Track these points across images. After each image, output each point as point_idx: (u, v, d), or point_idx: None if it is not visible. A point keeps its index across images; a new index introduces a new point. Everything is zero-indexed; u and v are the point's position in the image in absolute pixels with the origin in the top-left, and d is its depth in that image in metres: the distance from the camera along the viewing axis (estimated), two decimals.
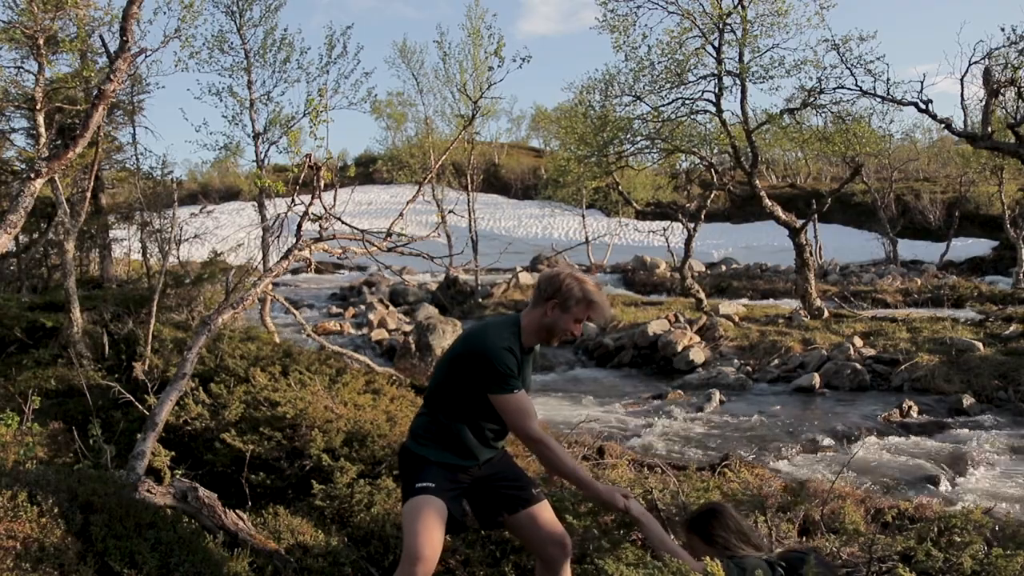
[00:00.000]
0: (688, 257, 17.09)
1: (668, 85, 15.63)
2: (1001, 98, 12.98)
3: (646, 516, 2.73)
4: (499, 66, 6.05)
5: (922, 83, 12.60)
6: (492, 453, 2.92)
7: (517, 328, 2.85)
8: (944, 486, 6.84)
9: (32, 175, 4.29)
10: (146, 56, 5.62)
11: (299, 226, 5.38)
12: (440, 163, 7.78)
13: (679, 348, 13.18)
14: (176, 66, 13.67)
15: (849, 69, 13.57)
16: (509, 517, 2.95)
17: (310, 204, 5.42)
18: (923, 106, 12.67)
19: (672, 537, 2.87)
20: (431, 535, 2.63)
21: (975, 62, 12.16)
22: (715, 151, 17.39)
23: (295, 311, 8.69)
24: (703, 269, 27.80)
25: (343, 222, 5.71)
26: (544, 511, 2.95)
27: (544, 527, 2.93)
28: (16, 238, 11.69)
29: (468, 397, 2.80)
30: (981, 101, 12.58)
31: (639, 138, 16.88)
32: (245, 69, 18.72)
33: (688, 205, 22.44)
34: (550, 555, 2.92)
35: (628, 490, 2.86)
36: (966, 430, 8.69)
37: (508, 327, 2.85)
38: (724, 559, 2.44)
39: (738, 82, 15.29)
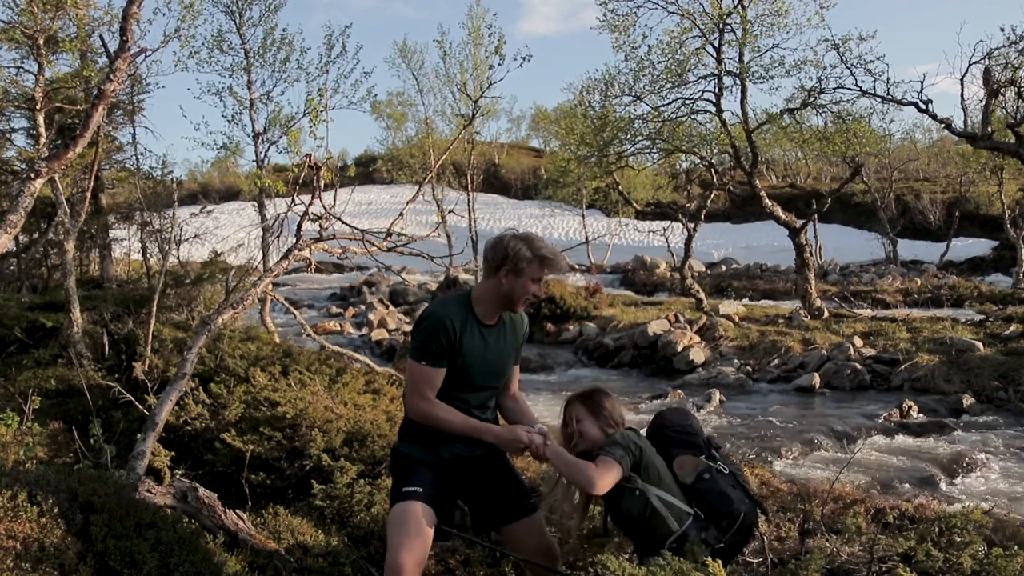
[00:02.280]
0: (688, 257, 17.09)
1: (668, 85, 15.63)
2: (1001, 98, 12.99)
3: (551, 449, 2.71)
4: (500, 64, 6.07)
5: (922, 83, 12.61)
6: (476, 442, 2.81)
7: (467, 300, 2.75)
8: (944, 486, 6.84)
9: (32, 175, 4.29)
10: (146, 56, 5.63)
11: (299, 226, 5.38)
12: (440, 163, 7.78)
13: (679, 348, 13.18)
14: (176, 66, 13.65)
15: (849, 69, 13.58)
16: (505, 526, 2.91)
17: (310, 204, 5.42)
18: (923, 106, 12.67)
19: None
20: (412, 546, 2.57)
21: (975, 62, 12.17)
22: (715, 151, 17.39)
23: (295, 311, 8.69)
24: (703, 269, 27.82)
25: (343, 222, 5.71)
26: (537, 522, 2.90)
27: (536, 539, 2.88)
28: (16, 238, 11.68)
29: None
30: (981, 101, 12.59)
31: (639, 138, 16.88)
32: (245, 69, 18.72)
33: (688, 205, 22.43)
34: (539, 567, 2.88)
35: (535, 425, 2.78)
36: (966, 430, 8.69)
37: (456, 300, 2.76)
38: (607, 435, 2.78)
39: (738, 82, 15.29)
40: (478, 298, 2.76)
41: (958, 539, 2.88)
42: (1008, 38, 11.82)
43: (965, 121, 12.83)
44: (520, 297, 2.73)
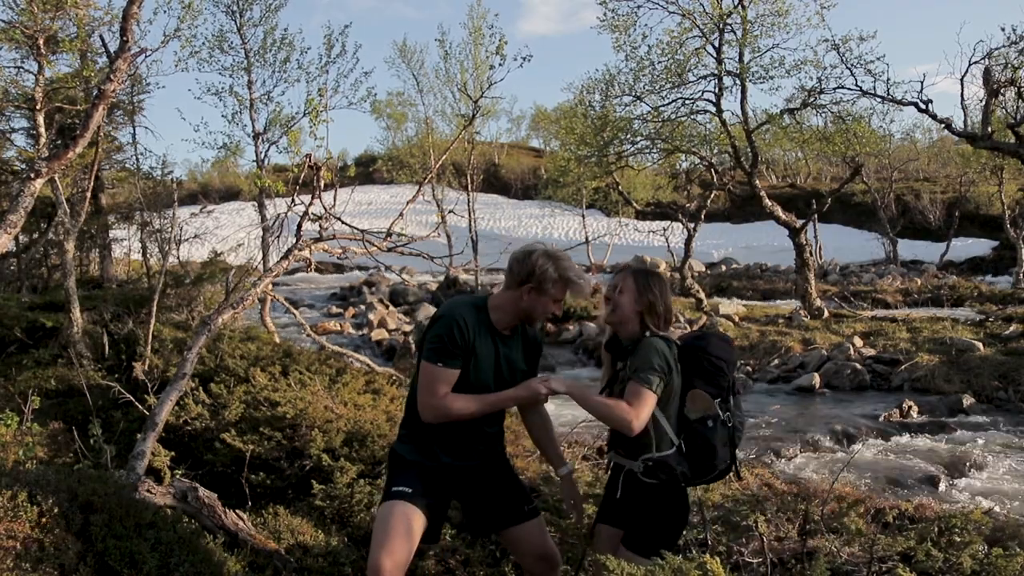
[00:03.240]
0: (688, 257, 17.10)
1: (668, 85, 15.64)
2: (1001, 98, 12.99)
3: (572, 386, 2.71)
4: (500, 65, 6.05)
5: (922, 83, 12.62)
6: (476, 445, 2.78)
7: (483, 306, 2.72)
8: (944, 486, 6.84)
9: (32, 175, 4.29)
10: (146, 56, 5.63)
11: (299, 226, 5.38)
12: (440, 163, 7.78)
13: None
14: (176, 66, 13.65)
15: (849, 69, 13.59)
16: (502, 530, 2.89)
17: (310, 204, 5.42)
18: (923, 106, 12.67)
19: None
20: (393, 547, 2.54)
21: (975, 62, 12.18)
22: (715, 151, 17.40)
23: (295, 311, 8.69)
24: (703, 269, 27.82)
25: (343, 222, 5.70)
26: (536, 527, 2.88)
27: (535, 543, 2.86)
28: (16, 238, 11.68)
29: None
30: (981, 101, 12.59)
31: (639, 138, 16.90)
32: (245, 69, 18.78)
33: (688, 205, 22.44)
34: (538, 571, 2.88)
35: (547, 375, 2.79)
36: (966, 430, 8.69)
37: (471, 303, 2.73)
38: (642, 323, 2.74)
39: (738, 82, 15.30)
40: (496, 306, 2.72)
41: (958, 539, 2.88)
42: (1008, 38, 11.84)
43: (965, 121, 12.84)
44: (539, 315, 2.72)
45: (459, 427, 2.72)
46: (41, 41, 8.46)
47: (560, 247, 2.79)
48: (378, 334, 16.18)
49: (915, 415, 9.37)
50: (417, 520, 2.63)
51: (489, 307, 2.73)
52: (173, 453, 4.53)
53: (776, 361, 12.38)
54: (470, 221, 23.24)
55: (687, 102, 15.92)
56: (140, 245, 14.46)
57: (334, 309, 20.04)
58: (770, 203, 15.51)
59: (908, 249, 29.84)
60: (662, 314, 2.74)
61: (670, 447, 2.65)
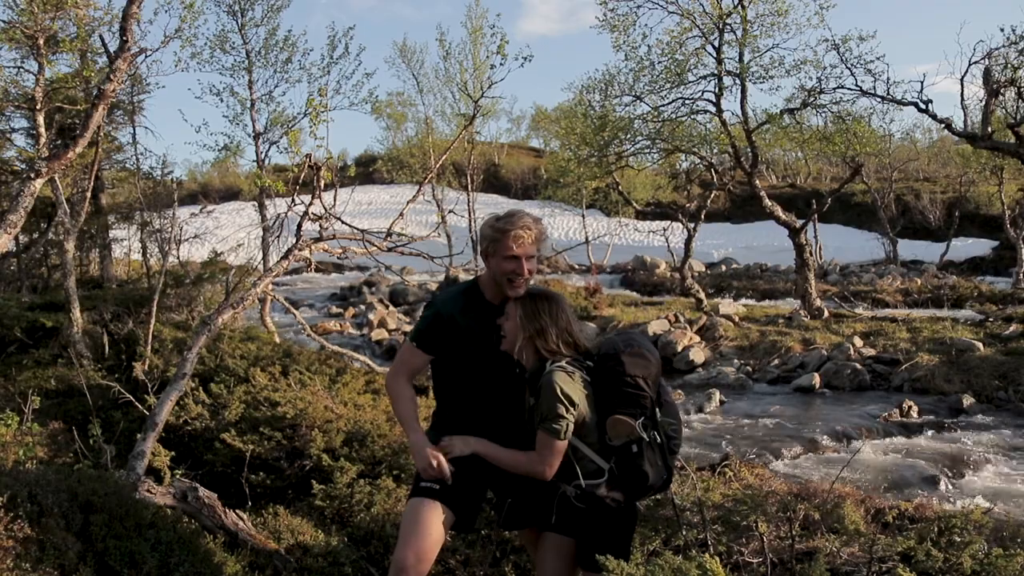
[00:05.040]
0: (688, 257, 17.10)
1: (668, 85, 15.62)
2: (1001, 98, 12.97)
3: (477, 445, 2.67)
4: (501, 64, 6.05)
5: (922, 83, 12.61)
6: (504, 430, 2.74)
7: (472, 287, 2.82)
8: (944, 486, 6.84)
9: (32, 175, 4.30)
10: (146, 56, 5.62)
11: (299, 226, 5.38)
12: (440, 163, 7.78)
13: (679, 348, 13.18)
14: (176, 66, 13.60)
15: (849, 69, 13.58)
16: (528, 527, 2.88)
17: (310, 204, 5.42)
18: (923, 106, 12.67)
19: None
20: (419, 544, 2.56)
21: (975, 62, 12.17)
22: (715, 151, 17.37)
23: (295, 311, 8.70)
24: (703, 269, 27.79)
25: (343, 222, 5.71)
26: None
27: None
28: (16, 238, 11.68)
29: (440, 369, 2.83)
30: (981, 101, 12.58)
31: (639, 138, 16.87)
32: (246, 69, 18.73)
33: (688, 205, 22.41)
34: None
35: (448, 444, 2.70)
36: (966, 430, 8.70)
37: (460, 290, 2.83)
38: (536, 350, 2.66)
39: (738, 82, 15.29)
40: (483, 283, 2.83)
41: (958, 539, 2.88)
42: (1008, 38, 11.83)
43: (965, 121, 12.83)
44: (501, 279, 2.70)
45: (465, 404, 2.80)
46: (41, 41, 8.45)
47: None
48: (378, 334, 16.19)
49: (915, 415, 9.37)
50: (443, 516, 2.65)
51: (479, 285, 2.84)
52: (173, 453, 4.53)
53: (776, 361, 12.38)
54: (470, 221, 23.27)
55: (687, 102, 15.91)
56: (140, 245, 14.45)
57: (334, 309, 20.03)
58: (770, 203, 15.51)
59: (908, 249, 29.84)
60: (556, 339, 2.66)
61: (599, 475, 2.58)
